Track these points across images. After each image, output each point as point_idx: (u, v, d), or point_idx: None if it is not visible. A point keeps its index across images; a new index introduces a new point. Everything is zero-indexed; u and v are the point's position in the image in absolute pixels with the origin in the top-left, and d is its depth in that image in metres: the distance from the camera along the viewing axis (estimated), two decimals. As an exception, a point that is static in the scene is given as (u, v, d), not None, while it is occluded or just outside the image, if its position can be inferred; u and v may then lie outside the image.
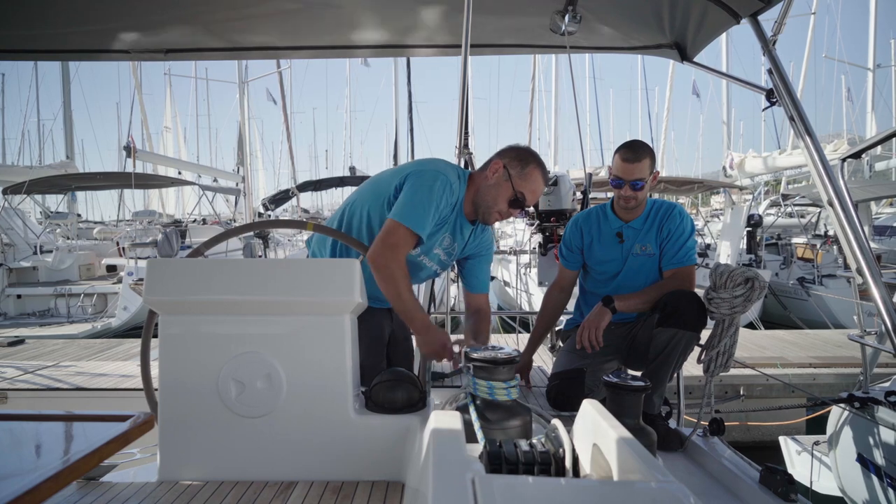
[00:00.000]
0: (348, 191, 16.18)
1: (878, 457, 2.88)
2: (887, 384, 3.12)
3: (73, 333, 8.63)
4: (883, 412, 2.82)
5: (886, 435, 2.81)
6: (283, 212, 19.18)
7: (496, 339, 6.57)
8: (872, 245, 10.17)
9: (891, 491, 2.83)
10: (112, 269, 12.05)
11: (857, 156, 2.75)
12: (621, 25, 2.90)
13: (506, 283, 12.03)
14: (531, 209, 2.88)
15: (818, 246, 11.06)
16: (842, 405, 3.06)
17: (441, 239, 2.07)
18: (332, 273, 1.56)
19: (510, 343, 5.45)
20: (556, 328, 3.05)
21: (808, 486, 3.62)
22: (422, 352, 1.66)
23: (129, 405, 4.14)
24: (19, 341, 7.01)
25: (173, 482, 1.50)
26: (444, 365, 2.40)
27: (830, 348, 6.17)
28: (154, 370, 1.66)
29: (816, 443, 3.80)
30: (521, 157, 2.02)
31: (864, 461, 3.02)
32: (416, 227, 1.83)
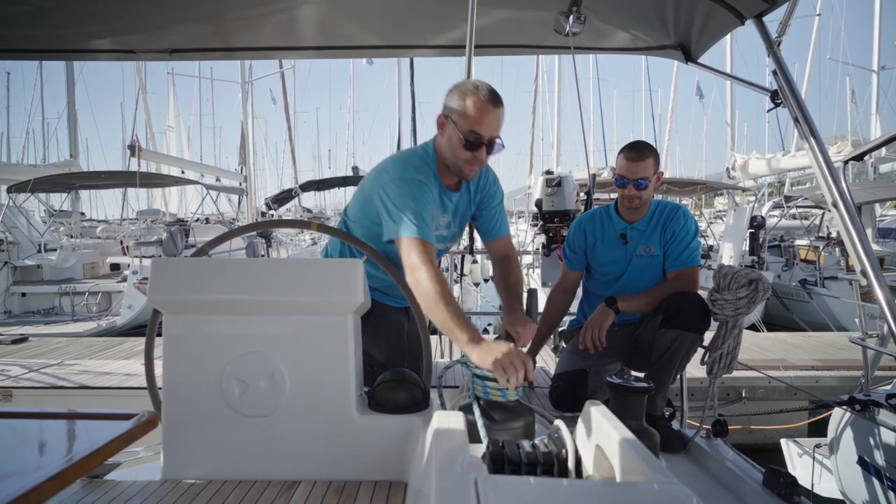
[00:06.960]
0: (351, 190, 16.19)
1: (879, 459, 2.87)
2: (888, 387, 3.11)
3: (78, 332, 8.63)
4: (884, 415, 2.81)
5: (887, 437, 2.80)
6: (287, 211, 19.21)
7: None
8: (876, 247, 10.13)
9: (891, 493, 2.81)
10: (116, 267, 12.08)
11: (859, 158, 2.73)
12: (626, 26, 2.89)
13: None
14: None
15: (821, 248, 11.01)
16: (843, 408, 3.05)
17: (434, 219, 1.94)
18: (336, 273, 1.56)
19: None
20: (560, 329, 3.05)
21: (810, 488, 3.61)
22: (485, 368, 1.43)
23: (132, 404, 4.14)
24: (23, 339, 7.02)
25: (177, 481, 1.50)
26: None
27: (833, 350, 6.14)
28: (158, 369, 1.67)
29: (818, 445, 3.79)
30: (455, 98, 1.83)
31: (865, 464, 3.01)
32: (421, 234, 1.75)
